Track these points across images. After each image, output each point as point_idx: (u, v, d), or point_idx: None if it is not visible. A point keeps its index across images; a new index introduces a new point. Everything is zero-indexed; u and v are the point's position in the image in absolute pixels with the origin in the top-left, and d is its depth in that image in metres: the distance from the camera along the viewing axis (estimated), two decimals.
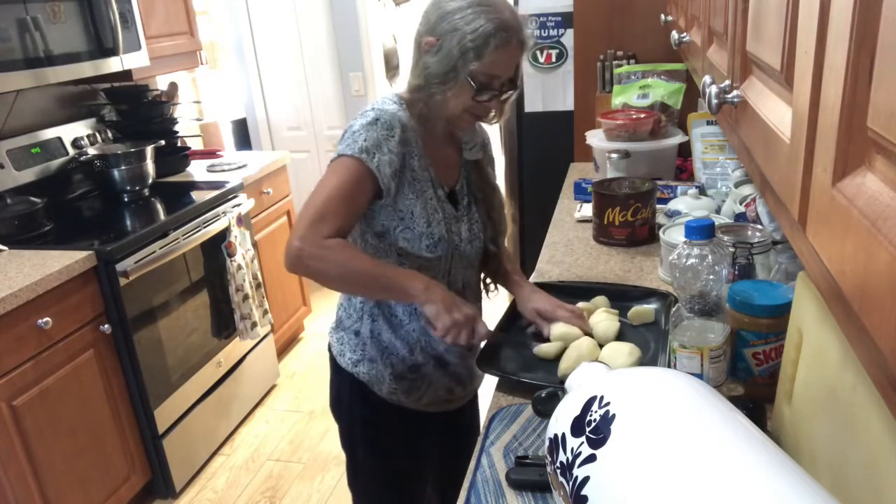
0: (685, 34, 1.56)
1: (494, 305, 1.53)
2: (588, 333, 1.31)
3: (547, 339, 1.32)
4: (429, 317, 1.19)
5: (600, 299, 1.43)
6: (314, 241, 1.16)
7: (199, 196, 2.55)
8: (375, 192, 1.22)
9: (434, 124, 1.26)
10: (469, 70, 1.17)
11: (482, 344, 1.30)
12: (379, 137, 1.20)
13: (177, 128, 3.01)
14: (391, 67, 4.24)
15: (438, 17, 1.19)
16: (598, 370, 0.84)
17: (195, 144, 3.58)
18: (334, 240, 1.17)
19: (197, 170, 2.97)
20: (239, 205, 2.64)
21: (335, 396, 1.46)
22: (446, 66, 1.18)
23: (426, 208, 1.26)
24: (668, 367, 1.11)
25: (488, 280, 1.49)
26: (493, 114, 1.28)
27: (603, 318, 1.33)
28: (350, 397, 1.42)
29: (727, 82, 0.84)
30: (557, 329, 1.31)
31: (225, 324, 2.61)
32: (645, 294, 1.46)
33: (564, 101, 2.93)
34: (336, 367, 1.42)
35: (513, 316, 1.43)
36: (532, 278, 1.62)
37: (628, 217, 1.81)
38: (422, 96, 1.23)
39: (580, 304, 1.39)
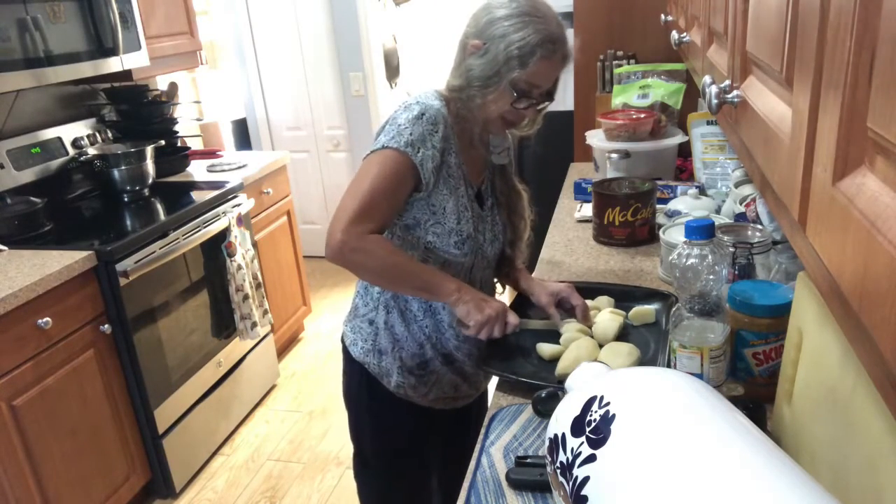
0: (685, 34, 1.56)
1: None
2: (589, 333, 1.32)
3: (554, 337, 1.32)
4: (460, 316, 1.24)
5: (604, 299, 1.43)
6: (357, 235, 1.18)
7: (199, 196, 2.55)
8: (415, 186, 1.25)
9: (470, 125, 1.29)
10: (511, 77, 1.19)
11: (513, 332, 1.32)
12: (424, 132, 1.22)
13: (177, 128, 3.01)
14: (391, 67, 4.24)
15: (487, 22, 1.21)
16: (598, 370, 0.84)
17: (195, 144, 3.58)
18: (375, 235, 1.20)
19: (197, 170, 2.97)
20: (239, 205, 2.64)
21: (346, 386, 1.50)
22: (490, 71, 1.20)
23: (458, 205, 1.29)
24: (668, 367, 1.11)
25: (495, 281, 1.52)
26: (526, 122, 1.32)
27: (606, 318, 1.33)
28: (359, 388, 1.45)
29: (727, 82, 0.84)
30: (568, 336, 1.31)
31: (225, 324, 2.61)
32: (647, 295, 1.46)
33: (564, 101, 2.92)
34: (348, 358, 1.45)
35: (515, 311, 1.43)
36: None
37: (628, 217, 1.81)
38: (461, 97, 1.25)
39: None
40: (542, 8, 1.22)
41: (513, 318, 1.25)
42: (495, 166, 1.41)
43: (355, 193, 1.20)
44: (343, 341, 1.47)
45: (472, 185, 1.34)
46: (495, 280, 1.52)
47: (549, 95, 1.28)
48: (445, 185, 1.27)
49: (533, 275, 1.65)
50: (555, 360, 1.27)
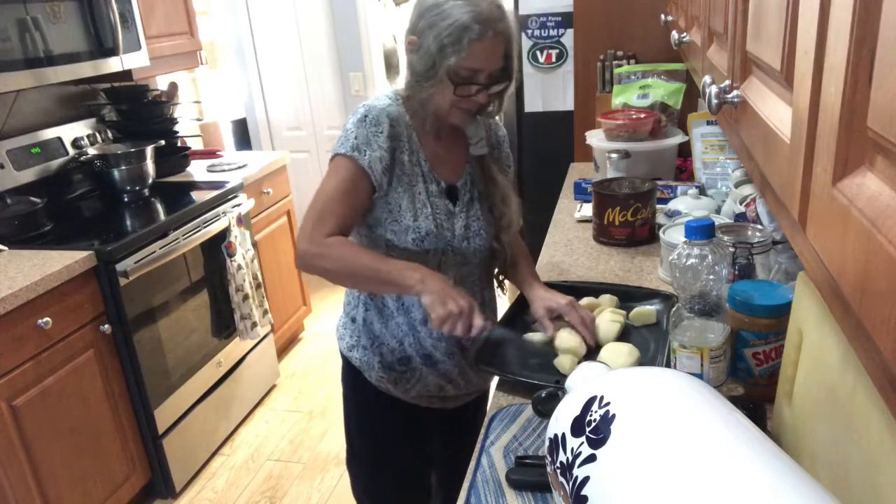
0: (685, 34, 1.56)
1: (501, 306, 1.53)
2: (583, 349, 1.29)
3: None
4: (425, 307, 1.19)
5: (606, 298, 1.43)
6: (316, 241, 1.21)
7: (199, 196, 2.55)
8: (371, 188, 1.26)
9: (424, 121, 1.29)
10: (447, 65, 1.18)
11: (481, 336, 1.24)
12: (368, 134, 1.23)
13: (177, 128, 3.01)
14: (391, 67, 4.24)
15: (418, 16, 1.21)
16: (598, 370, 0.84)
17: (195, 144, 3.58)
18: (334, 238, 1.21)
19: (197, 170, 2.97)
20: (239, 205, 2.64)
21: (341, 379, 1.52)
22: (426, 64, 1.20)
23: (414, 202, 1.28)
24: (668, 367, 1.11)
25: (501, 277, 1.50)
26: (491, 108, 1.29)
27: (607, 319, 1.32)
28: (346, 381, 1.49)
29: (727, 82, 0.84)
30: (563, 342, 1.27)
31: (225, 324, 2.61)
32: (648, 295, 1.45)
33: (564, 101, 2.93)
34: (340, 352, 1.48)
35: (514, 315, 1.43)
36: None
37: (628, 217, 1.81)
38: (411, 93, 1.27)
39: (584, 301, 1.38)
40: None
41: (478, 320, 1.17)
42: (474, 158, 1.38)
43: (314, 205, 1.24)
44: (336, 335, 1.50)
45: (437, 181, 1.31)
46: (497, 274, 1.49)
47: (506, 73, 1.25)
48: (399, 182, 1.27)
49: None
50: (549, 348, 1.28)
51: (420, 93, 1.23)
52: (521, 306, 1.45)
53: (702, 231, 0.99)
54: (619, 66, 2.57)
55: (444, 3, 1.17)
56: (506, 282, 1.51)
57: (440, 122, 1.29)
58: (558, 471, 0.71)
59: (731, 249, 1.24)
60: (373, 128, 1.23)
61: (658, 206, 1.88)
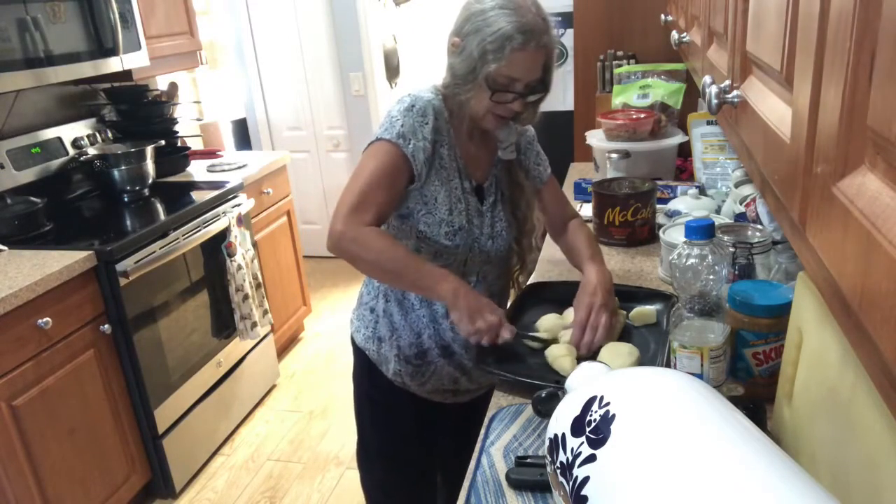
0: (685, 34, 1.56)
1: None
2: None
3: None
4: (453, 321, 1.22)
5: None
6: (355, 226, 1.20)
7: (199, 196, 2.55)
8: (410, 177, 1.26)
9: (461, 121, 1.30)
10: (487, 72, 1.19)
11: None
12: (414, 124, 1.24)
13: (177, 128, 3.01)
14: (391, 67, 4.24)
15: (464, 19, 1.23)
16: (598, 370, 0.85)
17: (195, 144, 3.58)
18: (373, 228, 1.21)
19: (197, 170, 2.97)
20: (239, 205, 2.64)
21: (353, 372, 1.52)
22: (468, 67, 1.21)
23: (450, 196, 1.30)
24: (668, 367, 1.11)
25: (520, 278, 1.52)
26: (524, 115, 1.30)
27: None
28: (360, 374, 1.49)
29: (727, 82, 0.84)
30: (554, 351, 1.27)
31: (225, 324, 2.61)
32: (648, 295, 1.45)
33: (564, 101, 2.93)
34: (353, 344, 1.48)
35: (514, 316, 1.43)
36: (532, 278, 1.62)
37: (628, 217, 1.81)
38: (450, 94, 1.28)
39: None
40: None
41: (506, 333, 1.21)
42: (502, 161, 1.40)
43: (353, 187, 1.23)
44: (350, 328, 1.50)
45: (469, 179, 1.34)
46: (515, 274, 1.50)
47: (544, 85, 1.27)
48: (437, 175, 1.28)
49: (532, 276, 1.65)
50: (541, 350, 1.28)
51: (458, 95, 1.25)
52: (521, 307, 1.45)
53: (702, 231, 0.99)
54: (619, 66, 2.57)
55: (491, 11, 1.18)
56: (520, 278, 1.53)
57: (474, 125, 1.31)
58: (558, 471, 0.71)
59: (731, 249, 1.24)
60: (419, 118, 1.25)
61: (658, 206, 1.88)
